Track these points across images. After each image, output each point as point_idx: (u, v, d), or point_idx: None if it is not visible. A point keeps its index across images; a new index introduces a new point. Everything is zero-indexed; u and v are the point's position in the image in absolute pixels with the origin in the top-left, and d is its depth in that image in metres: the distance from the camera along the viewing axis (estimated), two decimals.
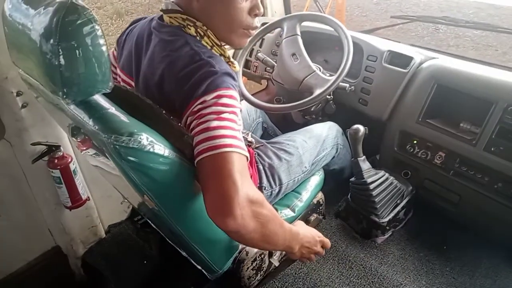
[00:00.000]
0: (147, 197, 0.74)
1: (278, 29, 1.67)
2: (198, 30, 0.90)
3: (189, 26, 0.90)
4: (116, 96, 0.77)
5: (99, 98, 0.73)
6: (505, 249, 1.42)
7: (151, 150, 0.68)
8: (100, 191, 1.53)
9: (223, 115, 0.75)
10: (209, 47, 0.91)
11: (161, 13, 0.94)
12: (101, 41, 0.66)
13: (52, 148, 1.27)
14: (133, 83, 0.99)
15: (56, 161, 1.27)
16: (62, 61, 0.64)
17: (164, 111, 0.78)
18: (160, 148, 0.70)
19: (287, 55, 1.52)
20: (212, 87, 0.77)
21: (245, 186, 0.72)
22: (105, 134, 0.66)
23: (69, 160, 1.30)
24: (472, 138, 1.32)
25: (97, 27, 0.64)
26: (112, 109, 0.71)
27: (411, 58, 1.47)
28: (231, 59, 0.96)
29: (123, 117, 0.70)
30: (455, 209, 1.45)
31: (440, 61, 1.45)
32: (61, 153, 1.29)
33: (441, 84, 1.38)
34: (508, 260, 1.41)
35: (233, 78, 0.83)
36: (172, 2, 0.92)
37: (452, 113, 1.43)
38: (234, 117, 0.77)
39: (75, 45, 0.64)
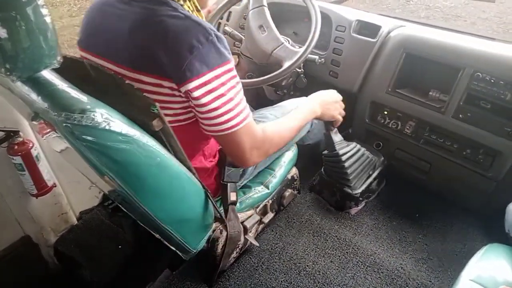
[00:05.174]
0: (107, 178, 0.71)
1: (245, 1, 1.62)
2: None
3: None
4: (69, 70, 0.72)
5: (47, 74, 0.68)
6: (473, 214, 1.47)
7: (107, 127, 0.64)
8: (67, 177, 1.48)
9: (234, 92, 0.85)
10: (190, 12, 0.87)
11: None
12: (44, 11, 0.60)
13: (11, 134, 1.20)
14: (93, 58, 0.93)
15: (16, 147, 1.21)
16: (2, 34, 0.58)
17: (127, 81, 0.73)
18: (117, 124, 0.66)
19: (254, 27, 1.48)
20: (220, 60, 0.81)
21: (253, 150, 0.93)
22: (55, 112, 0.61)
23: (30, 145, 1.23)
24: (441, 106, 1.33)
25: None
26: (62, 85, 0.66)
27: (379, 27, 1.46)
28: None
29: (74, 93, 0.66)
30: (426, 177, 1.47)
31: (408, 30, 1.44)
32: (21, 139, 1.22)
33: (410, 52, 1.38)
34: (476, 224, 1.46)
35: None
36: None
37: (421, 81, 1.44)
38: (240, 88, 0.88)
39: (15, 15, 0.58)
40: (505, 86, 1.19)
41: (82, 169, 1.06)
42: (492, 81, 1.21)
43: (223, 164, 1.15)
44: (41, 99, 0.64)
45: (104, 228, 1.54)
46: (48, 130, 0.97)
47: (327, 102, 1.25)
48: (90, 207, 1.63)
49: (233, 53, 1.91)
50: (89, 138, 0.63)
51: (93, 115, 0.63)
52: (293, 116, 1.12)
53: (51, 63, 0.64)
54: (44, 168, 1.30)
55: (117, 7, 0.90)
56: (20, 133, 1.22)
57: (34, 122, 0.91)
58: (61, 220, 1.52)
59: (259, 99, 2.05)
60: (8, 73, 0.61)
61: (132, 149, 0.70)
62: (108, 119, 0.65)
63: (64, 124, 0.61)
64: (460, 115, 1.29)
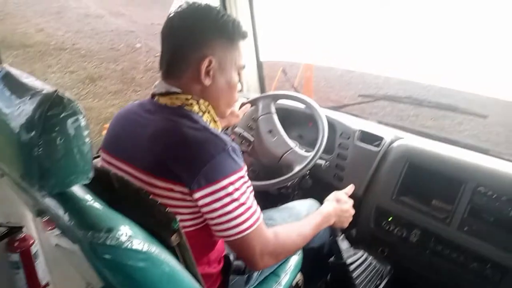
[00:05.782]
0: None
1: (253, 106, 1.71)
2: (201, 106, 0.96)
3: (192, 104, 0.95)
4: (95, 181, 0.73)
5: (76, 189, 0.69)
6: None
7: (129, 246, 0.63)
8: (61, 274, 1.40)
9: (246, 196, 0.88)
10: (208, 123, 0.97)
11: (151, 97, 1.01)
12: (85, 133, 0.63)
13: (13, 230, 1.17)
14: (115, 161, 0.98)
15: (16, 243, 1.17)
16: (42, 153, 0.60)
17: (151, 196, 0.75)
18: (139, 242, 0.65)
19: (264, 132, 1.56)
20: (235, 167, 0.86)
21: (264, 254, 0.93)
22: (81, 230, 0.61)
23: (31, 242, 1.20)
24: (446, 216, 1.34)
25: (81, 118, 0.62)
26: (89, 200, 0.67)
27: (381, 138, 1.54)
28: None
29: (101, 209, 0.66)
30: None
31: (410, 141, 1.51)
32: (23, 235, 1.19)
33: (412, 163, 1.44)
34: None
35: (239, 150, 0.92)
36: (167, 85, 0.97)
37: (424, 190, 1.46)
38: (251, 192, 0.92)
39: (57, 137, 0.61)
40: (508, 202, 1.22)
41: (78, 267, 1.02)
42: (494, 196, 1.25)
43: (228, 272, 1.12)
44: (67, 215, 0.64)
45: None
46: (51, 226, 0.96)
47: (343, 211, 1.24)
48: None
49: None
50: (110, 256, 0.62)
51: (118, 233, 0.62)
52: (308, 222, 1.12)
53: (82, 179, 0.66)
54: (41, 266, 1.24)
55: (140, 115, 0.98)
56: (23, 228, 1.20)
57: (38, 218, 0.89)
58: None
59: (259, 195, 2.05)
60: (40, 189, 0.62)
61: (149, 266, 0.68)
62: (131, 236, 0.64)
63: (89, 242, 0.61)
64: (465, 228, 1.30)
